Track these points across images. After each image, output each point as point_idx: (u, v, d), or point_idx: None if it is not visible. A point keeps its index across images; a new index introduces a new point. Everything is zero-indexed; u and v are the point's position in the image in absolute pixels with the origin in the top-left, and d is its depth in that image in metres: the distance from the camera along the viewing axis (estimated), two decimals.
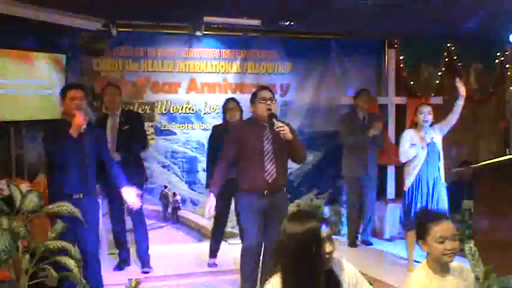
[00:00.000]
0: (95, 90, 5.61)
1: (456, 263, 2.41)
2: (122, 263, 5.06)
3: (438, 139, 4.93)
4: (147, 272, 4.93)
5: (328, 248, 2.08)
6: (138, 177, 4.88)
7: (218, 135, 5.00)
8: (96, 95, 5.57)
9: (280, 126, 3.71)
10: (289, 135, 3.74)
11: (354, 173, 5.93)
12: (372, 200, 6.12)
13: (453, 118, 5.01)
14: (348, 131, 5.87)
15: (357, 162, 5.89)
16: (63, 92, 3.83)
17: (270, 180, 3.81)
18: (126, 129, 4.86)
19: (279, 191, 3.91)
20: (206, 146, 5.58)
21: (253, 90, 4.24)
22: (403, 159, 4.91)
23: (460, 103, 4.99)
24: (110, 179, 3.99)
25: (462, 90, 4.93)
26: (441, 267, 2.36)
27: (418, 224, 2.50)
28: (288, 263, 2.03)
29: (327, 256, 2.08)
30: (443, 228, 2.32)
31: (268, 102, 3.85)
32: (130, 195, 3.93)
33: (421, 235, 2.38)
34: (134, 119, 5.08)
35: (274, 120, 3.76)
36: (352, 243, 5.99)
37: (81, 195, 3.72)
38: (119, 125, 4.87)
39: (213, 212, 3.91)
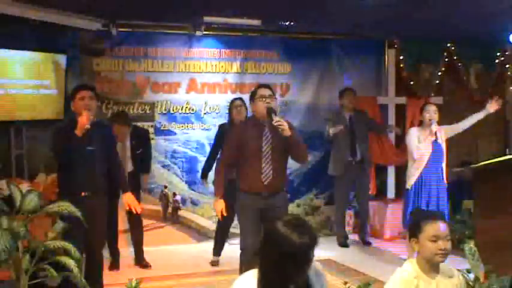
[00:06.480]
0: (95, 90, 5.61)
1: (447, 265, 2.39)
2: (115, 264, 5.07)
3: (443, 140, 4.94)
4: (147, 266, 5.08)
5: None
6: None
7: (225, 133, 5.09)
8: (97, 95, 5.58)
9: (278, 121, 3.65)
10: (288, 131, 3.66)
11: (337, 171, 5.92)
12: (365, 198, 6.11)
13: (463, 127, 5.04)
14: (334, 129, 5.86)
15: (339, 160, 5.88)
16: (73, 92, 3.85)
17: (265, 183, 3.78)
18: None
19: (277, 192, 3.87)
20: (210, 143, 5.67)
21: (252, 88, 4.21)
22: (416, 156, 4.88)
23: (480, 116, 4.99)
24: (113, 182, 3.99)
25: (492, 107, 4.94)
26: (431, 267, 2.34)
27: (412, 222, 2.51)
28: (270, 264, 1.92)
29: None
30: (437, 228, 2.31)
31: (268, 100, 3.78)
32: (132, 200, 3.95)
33: (415, 234, 2.37)
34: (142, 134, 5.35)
35: (272, 115, 3.68)
36: (341, 243, 5.95)
37: (89, 193, 3.72)
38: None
39: (225, 213, 3.90)
